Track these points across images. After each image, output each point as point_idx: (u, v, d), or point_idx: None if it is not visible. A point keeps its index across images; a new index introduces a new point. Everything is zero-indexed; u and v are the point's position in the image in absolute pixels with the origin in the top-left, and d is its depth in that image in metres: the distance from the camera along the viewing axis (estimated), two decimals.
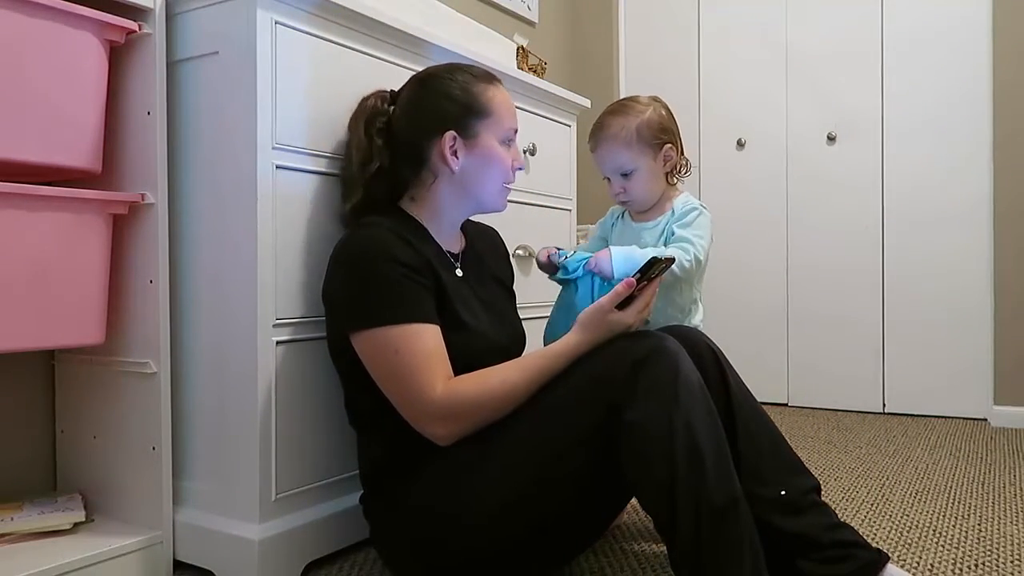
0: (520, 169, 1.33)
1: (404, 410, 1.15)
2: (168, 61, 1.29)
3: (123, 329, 1.31)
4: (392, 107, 1.33)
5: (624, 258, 1.26)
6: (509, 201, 1.83)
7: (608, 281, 1.25)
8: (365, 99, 1.34)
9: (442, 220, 1.31)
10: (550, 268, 1.40)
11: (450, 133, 1.25)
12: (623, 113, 1.44)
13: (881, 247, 2.87)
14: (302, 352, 1.30)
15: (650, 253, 1.29)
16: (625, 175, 1.44)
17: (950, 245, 2.75)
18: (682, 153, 1.49)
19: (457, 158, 1.26)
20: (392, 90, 1.36)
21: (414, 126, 1.29)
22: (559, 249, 1.40)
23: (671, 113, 1.49)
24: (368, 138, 1.29)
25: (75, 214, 1.17)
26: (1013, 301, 2.63)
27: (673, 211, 1.44)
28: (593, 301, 1.21)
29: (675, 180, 1.51)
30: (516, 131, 1.32)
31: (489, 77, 1.31)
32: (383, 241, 1.17)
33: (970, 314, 2.72)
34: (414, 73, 1.37)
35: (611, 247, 1.31)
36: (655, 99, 1.48)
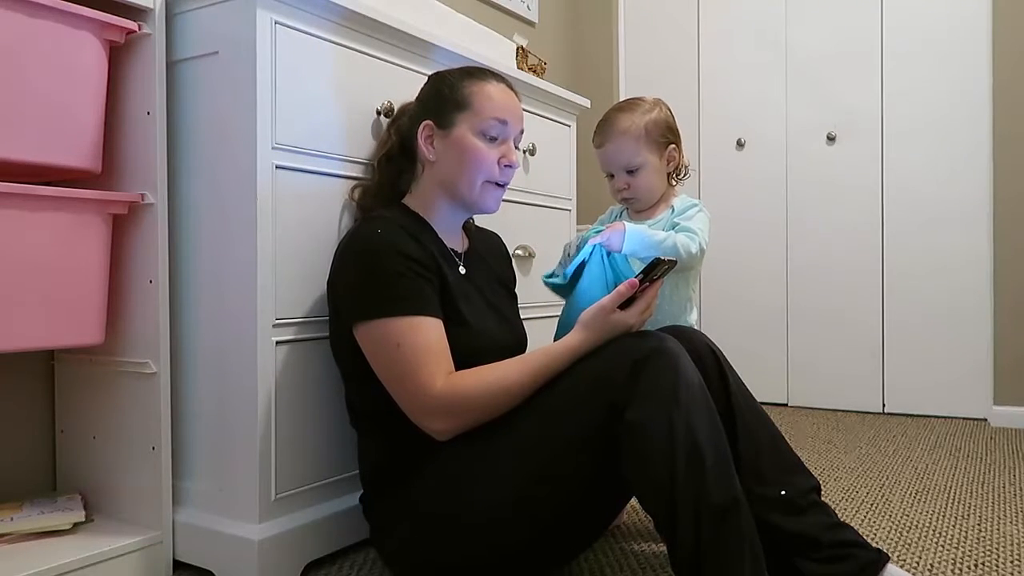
0: (511, 167, 1.30)
1: (404, 404, 1.16)
2: (168, 61, 1.29)
3: (123, 329, 1.31)
4: None
5: (637, 236, 1.29)
6: (509, 201, 1.84)
7: (616, 253, 1.28)
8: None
9: (438, 215, 1.32)
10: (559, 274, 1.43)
11: (427, 122, 1.28)
12: (631, 110, 1.47)
13: (881, 247, 2.87)
14: (302, 352, 1.30)
15: (660, 236, 1.31)
16: (631, 171, 1.46)
17: (950, 245, 2.75)
18: (682, 156, 1.52)
19: (433, 147, 1.28)
20: None
21: (409, 116, 1.35)
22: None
23: (673, 116, 1.52)
24: (388, 128, 1.40)
25: (75, 214, 1.17)
26: (1013, 301, 2.63)
27: (673, 209, 1.46)
28: (604, 281, 1.23)
29: (675, 182, 1.53)
30: (506, 124, 1.28)
31: (484, 74, 1.31)
32: (389, 235, 1.18)
33: (970, 314, 2.72)
34: (412, 74, 1.38)
35: (626, 222, 1.32)
36: (659, 100, 1.51)
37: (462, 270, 1.32)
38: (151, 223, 1.28)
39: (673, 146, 1.49)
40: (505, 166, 1.29)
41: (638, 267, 1.35)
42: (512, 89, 1.32)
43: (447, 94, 1.28)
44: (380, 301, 1.15)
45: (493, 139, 1.27)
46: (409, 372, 1.13)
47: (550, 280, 1.42)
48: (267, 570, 1.22)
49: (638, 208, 1.51)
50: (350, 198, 1.38)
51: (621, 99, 3.24)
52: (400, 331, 1.13)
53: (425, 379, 1.12)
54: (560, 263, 1.47)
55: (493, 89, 1.28)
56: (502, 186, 1.31)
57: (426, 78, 1.37)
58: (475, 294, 1.31)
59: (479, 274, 1.37)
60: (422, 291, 1.17)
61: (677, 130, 1.51)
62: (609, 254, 1.29)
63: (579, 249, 1.37)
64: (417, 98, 1.35)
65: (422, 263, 1.18)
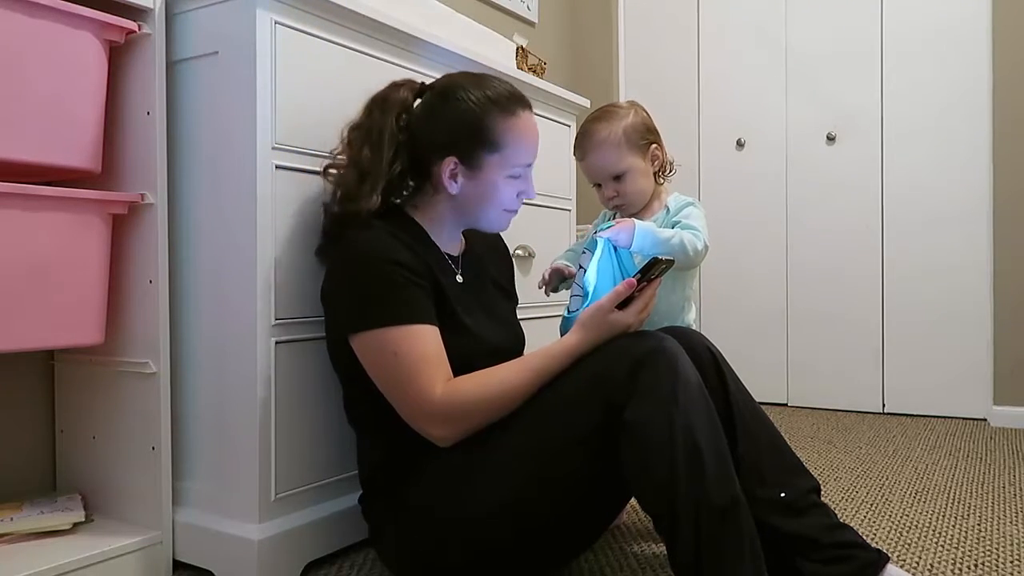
0: (529, 198, 1.32)
1: (404, 412, 1.15)
2: (168, 61, 1.29)
3: (123, 329, 1.31)
4: (417, 104, 1.30)
5: (646, 233, 1.29)
6: None
7: (625, 248, 1.27)
8: (396, 86, 1.30)
9: (442, 229, 1.31)
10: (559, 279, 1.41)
11: (451, 159, 1.23)
12: (607, 119, 1.46)
13: (881, 247, 2.87)
14: (301, 352, 1.30)
15: (667, 234, 1.31)
16: (617, 178, 1.45)
17: (950, 245, 2.75)
18: (666, 154, 1.51)
19: (456, 182, 1.25)
20: (422, 83, 1.33)
21: (425, 139, 1.26)
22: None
23: (650, 116, 1.51)
24: (396, 132, 1.26)
25: (75, 214, 1.17)
26: (1013, 301, 2.62)
27: (668, 208, 1.46)
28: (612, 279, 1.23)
29: (662, 180, 1.53)
30: (530, 166, 1.29)
31: (513, 105, 1.25)
32: (382, 244, 1.17)
33: (970, 314, 2.72)
34: (412, 73, 1.37)
35: (636, 220, 1.32)
36: (633, 103, 1.51)
37: (459, 278, 1.32)
38: (151, 223, 1.28)
39: (655, 145, 1.48)
40: (524, 198, 1.31)
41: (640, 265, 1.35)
42: (530, 108, 1.29)
43: (477, 134, 1.22)
44: (374, 311, 1.14)
45: (517, 176, 1.28)
46: (407, 380, 1.13)
47: (573, 314, 1.29)
48: (267, 570, 1.22)
49: (630, 212, 1.50)
50: (335, 205, 1.27)
51: (621, 99, 3.25)
52: (396, 340, 1.13)
53: (424, 386, 1.12)
54: (572, 294, 1.36)
55: (523, 127, 1.26)
56: (514, 211, 1.33)
57: (435, 78, 1.32)
58: (472, 299, 1.31)
59: (476, 278, 1.36)
60: (416, 299, 1.16)
61: (656, 129, 1.50)
62: (615, 249, 1.28)
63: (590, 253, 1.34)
64: (430, 118, 1.25)
65: (415, 271, 1.17)
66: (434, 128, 1.25)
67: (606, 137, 1.44)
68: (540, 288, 1.51)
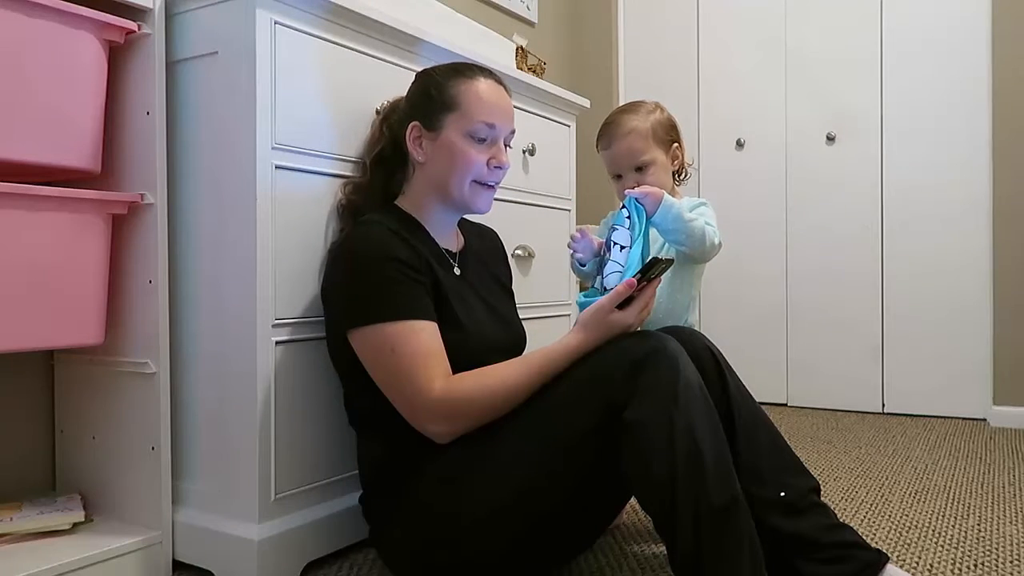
0: (500, 168, 1.29)
1: (403, 408, 1.15)
2: (167, 61, 1.29)
3: (122, 329, 1.31)
4: None
5: (671, 207, 1.30)
6: (509, 201, 1.84)
7: (649, 218, 1.28)
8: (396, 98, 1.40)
9: (431, 216, 1.31)
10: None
11: (414, 123, 1.27)
12: (635, 112, 1.49)
13: (880, 247, 2.87)
14: (301, 352, 1.30)
15: (690, 215, 1.33)
16: (639, 169, 1.46)
17: (950, 245, 2.75)
18: (685, 155, 1.54)
19: (422, 148, 1.27)
20: None
21: (399, 115, 1.33)
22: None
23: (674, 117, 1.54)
24: (380, 126, 1.37)
25: (74, 214, 1.17)
26: (1013, 301, 2.62)
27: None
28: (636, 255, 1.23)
29: (678, 182, 1.55)
30: (494, 128, 1.26)
31: (472, 72, 1.28)
32: (380, 239, 1.18)
33: (970, 314, 2.72)
34: (412, 74, 1.37)
35: (664, 191, 1.34)
36: (659, 103, 1.53)
37: (457, 271, 1.32)
38: (151, 223, 1.28)
39: (677, 145, 1.51)
40: (495, 167, 1.28)
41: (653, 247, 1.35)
42: (501, 84, 1.31)
43: (434, 95, 1.26)
44: (373, 307, 1.14)
45: (482, 140, 1.26)
46: (406, 377, 1.13)
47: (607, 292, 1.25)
48: (267, 570, 1.22)
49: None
50: (341, 193, 1.36)
51: (621, 99, 3.26)
52: (394, 336, 1.13)
53: (422, 383, 1.12)
54: (608, 272, 1.34)
55: (482, 88, 1.27)
56: (492, 187, 1.31)
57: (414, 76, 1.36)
58: (471, 294, 1.31)
59: (475, 274, 1.36)
60: (415, 295, 1.16)
61: (679, 130, 1.53)
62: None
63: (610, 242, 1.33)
64: (406, 97, 1.34)
65: (414, 266, 1.17)
66: (404, 104, 1.33)
67: (635, 127, 1.46)
68: (568, 246, 1.48)
